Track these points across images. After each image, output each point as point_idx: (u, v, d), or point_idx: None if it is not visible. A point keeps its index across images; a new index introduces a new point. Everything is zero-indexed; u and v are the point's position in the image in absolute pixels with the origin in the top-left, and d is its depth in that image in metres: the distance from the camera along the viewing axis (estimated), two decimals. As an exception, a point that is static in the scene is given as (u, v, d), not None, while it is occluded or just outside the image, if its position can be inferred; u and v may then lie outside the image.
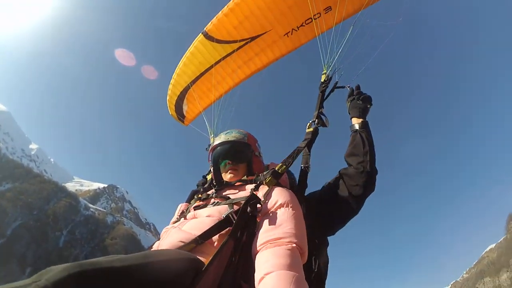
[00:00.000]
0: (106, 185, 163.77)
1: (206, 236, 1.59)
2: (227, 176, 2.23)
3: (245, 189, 2.01)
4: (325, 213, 2.16)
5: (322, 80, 2.86)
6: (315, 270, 2.01)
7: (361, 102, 2.52)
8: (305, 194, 2.26)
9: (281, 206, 1.70)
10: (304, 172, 2.29)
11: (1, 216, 72.23)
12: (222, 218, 1.68)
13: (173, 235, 1.69)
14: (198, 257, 1.47)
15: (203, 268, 1.34)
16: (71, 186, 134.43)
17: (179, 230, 1.73)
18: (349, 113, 2.54)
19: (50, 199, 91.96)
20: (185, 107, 4.78)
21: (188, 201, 2.27)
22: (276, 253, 1.41)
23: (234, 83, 4.37)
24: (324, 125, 2.56)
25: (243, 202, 1.72)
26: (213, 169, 2.34)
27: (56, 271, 0.93)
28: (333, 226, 2.26)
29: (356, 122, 2.44)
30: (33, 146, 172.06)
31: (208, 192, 2.12)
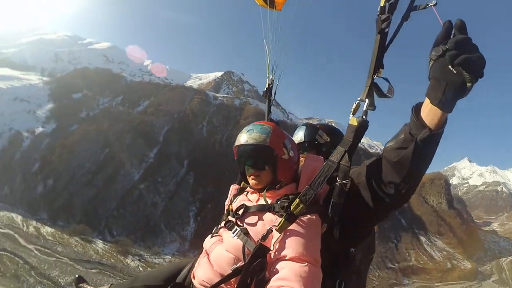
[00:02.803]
0: (222, 73, 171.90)
1: (216, 286, 1.64)
2: (250, 182, 1.92)
3: (263, 219, 1.72)
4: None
5: (382, 3, 1.38)
6: None
7: (456, 72, 1.08)
8: None
9: (290, 260, 1.46)
10: (341, 192, 1.57)
11: (150, 128, 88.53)
12: (230, 271, 1.60)
13: (203, 268, 1.77)
14: None
15: None
16: (192, 83, 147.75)
17: (207, 262, 1.76)
18: (429, 79, 1.20)
19: (184, 101, 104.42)
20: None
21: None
22: None
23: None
24: (385, 96, 1.47)
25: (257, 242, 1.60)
26: (239, 168, 2.00)
27: None
28: (356, 240, 1.81)
29: (426, 119, 1.26)
30: (147, 62, 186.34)
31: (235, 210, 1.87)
